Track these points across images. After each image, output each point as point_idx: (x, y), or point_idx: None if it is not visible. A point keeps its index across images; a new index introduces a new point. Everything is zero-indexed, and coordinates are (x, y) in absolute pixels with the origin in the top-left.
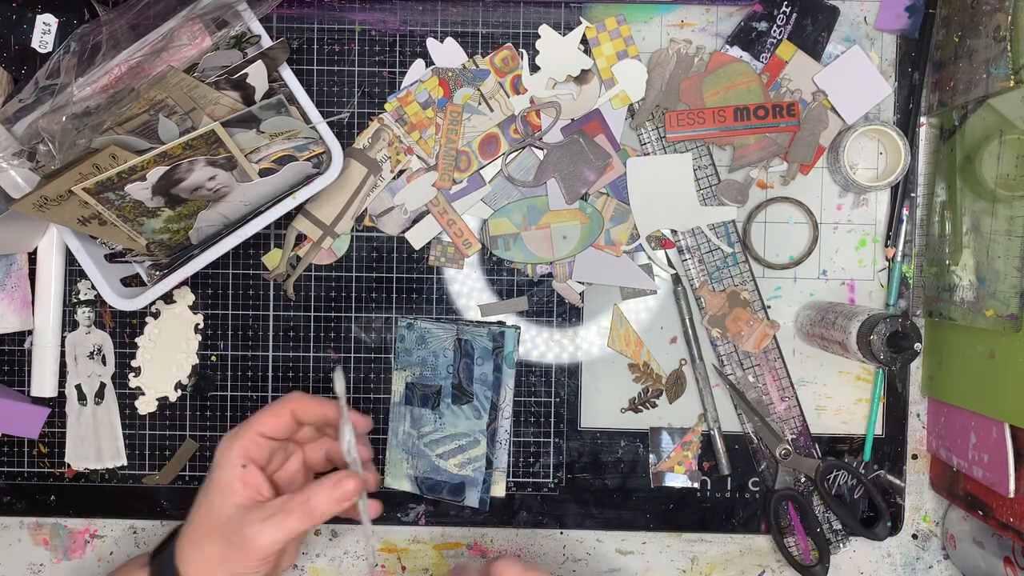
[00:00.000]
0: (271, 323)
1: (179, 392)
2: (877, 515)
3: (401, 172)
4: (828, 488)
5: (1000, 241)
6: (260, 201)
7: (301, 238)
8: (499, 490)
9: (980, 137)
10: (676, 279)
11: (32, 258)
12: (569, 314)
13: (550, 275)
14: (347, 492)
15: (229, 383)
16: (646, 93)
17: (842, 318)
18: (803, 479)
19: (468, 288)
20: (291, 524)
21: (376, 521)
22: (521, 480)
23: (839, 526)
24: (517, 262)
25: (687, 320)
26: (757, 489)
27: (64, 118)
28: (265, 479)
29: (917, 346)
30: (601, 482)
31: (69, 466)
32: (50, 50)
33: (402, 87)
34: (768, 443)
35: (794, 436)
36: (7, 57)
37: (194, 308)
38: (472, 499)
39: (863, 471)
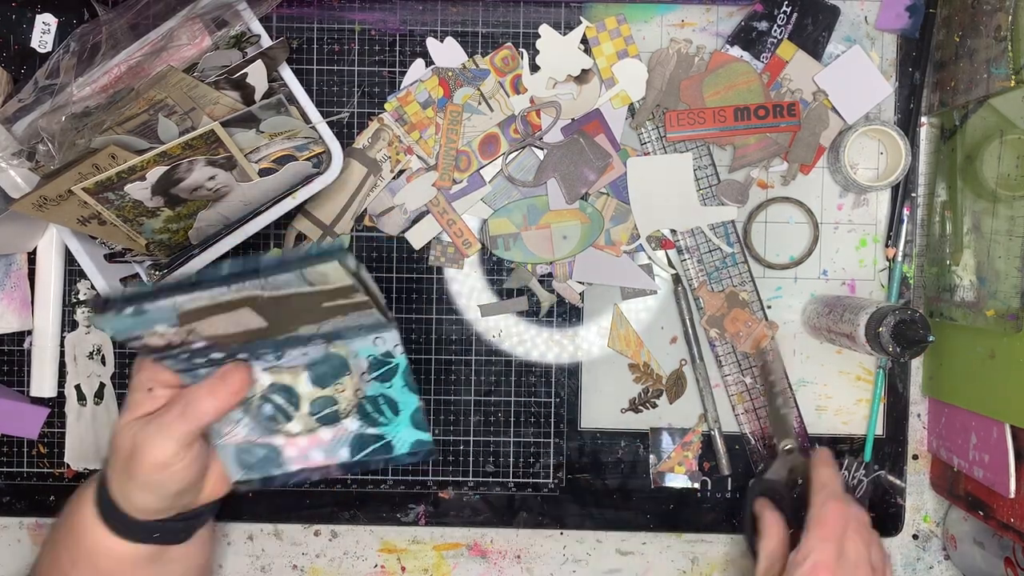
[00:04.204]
0: None
1: None
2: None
3: (401, 172)
4: None
5: (1001, 241)
6: (260, 201)
7: (301, 238)
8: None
9: (981, 137)
10: (676, 279)
11: (32, 258)
12: (569, 314)
13: (550, 275)
14: (233, 386)
15: None
16: (646, 93)
17: (850, 311)
18: (800, 481)
19: (468, 288)
20: (175, 426)
21: (376, 521)
22: (521, 480)
23: None
24: (517, 262)
25: (687, 320)
26: None
27: (64, 118)
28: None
29: (930, 337)
30: (601, 482)
31: (69, 466)
32: (50, 50)
33: (402, 87)
34: (777, 433)
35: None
36: (7, 57)
37: None
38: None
39: (863, 472)
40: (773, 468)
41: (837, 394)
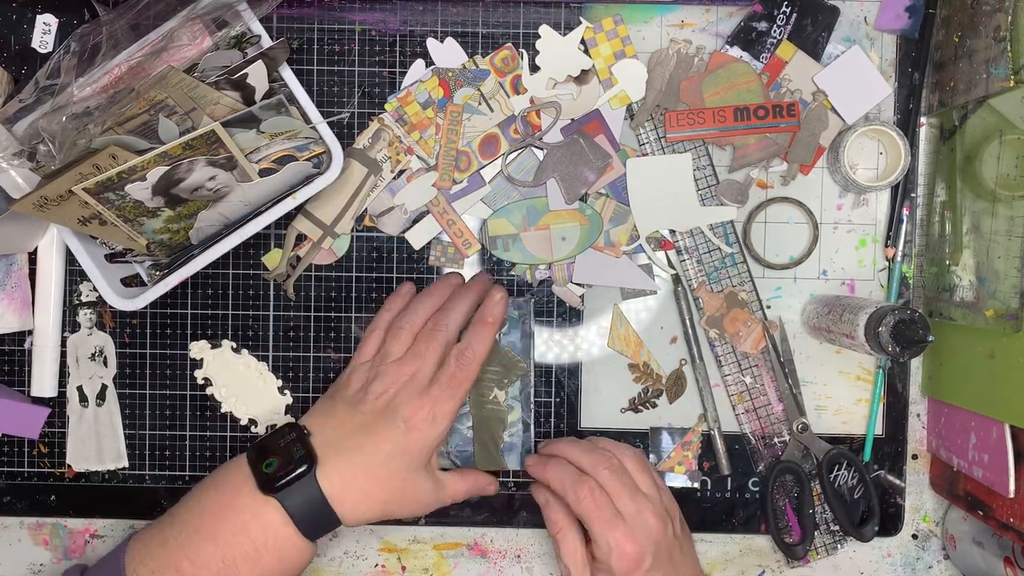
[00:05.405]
0: (271, 323)
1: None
2: (870, 515)
3: (401, 172)
4: (830, 481)
5: (1000, 241)
6: (260, 201)
7: (301, 238)
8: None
9: (980, 137)
10: (676, 279)
11: (32, 258)
12: (569, 314)
13: (550, 279)
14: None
15: None
16: (646, 93)
17: (850, 311)
18: (807, 468)
19: None
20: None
21: (375, 521)
22: (521, 480)
23: (837, 527)
24: (516, 263)
25: (687, 320)
26: (757, 489)
27: (64, 118)
28: None
29: (929, 337)
30: None
31: (70, 466)
32: (50, 50)
33: (402, 87)
34: (790, 414)
35: (792, 437)
36: (7, 57)
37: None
38: (513, 462)
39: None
40: (787, 451)
41: (837, 394)
